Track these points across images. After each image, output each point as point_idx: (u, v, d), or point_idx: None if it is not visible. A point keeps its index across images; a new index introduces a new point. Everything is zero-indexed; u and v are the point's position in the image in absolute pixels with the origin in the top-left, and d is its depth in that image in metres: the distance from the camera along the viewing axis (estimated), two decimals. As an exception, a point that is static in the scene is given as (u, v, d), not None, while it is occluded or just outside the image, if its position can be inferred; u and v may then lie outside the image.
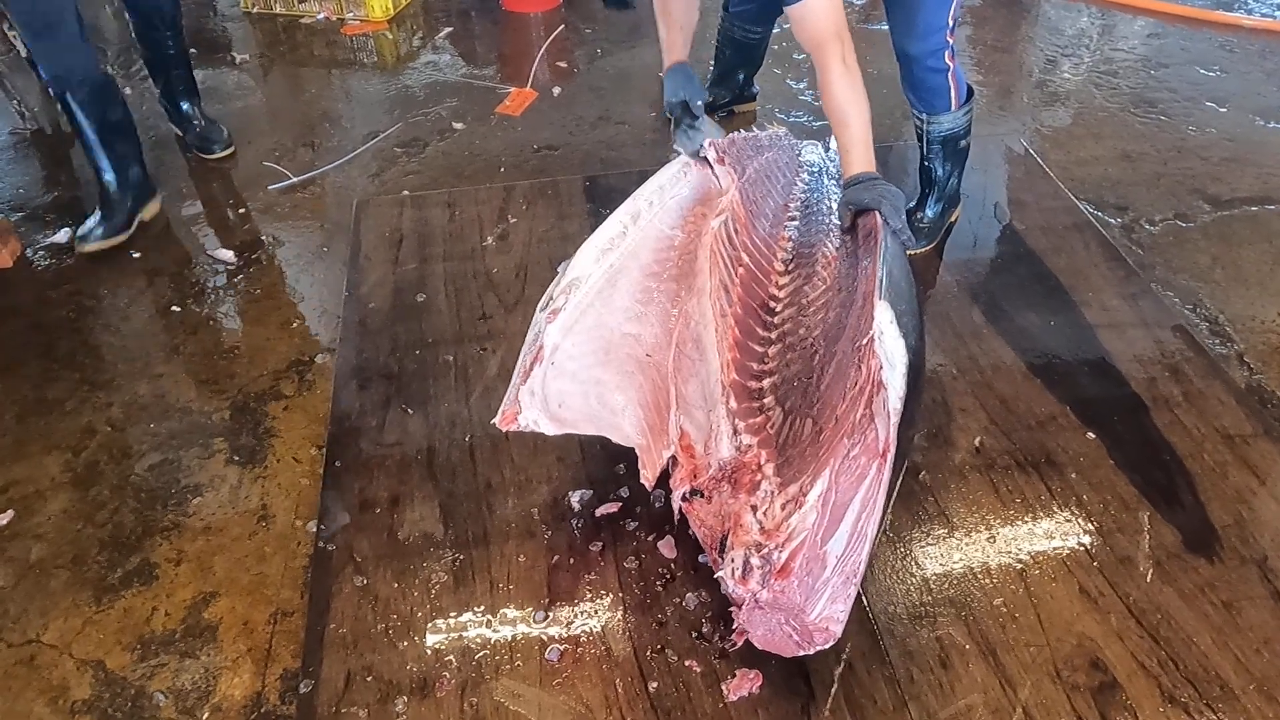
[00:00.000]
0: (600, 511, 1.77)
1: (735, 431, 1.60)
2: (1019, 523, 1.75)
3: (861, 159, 1.98)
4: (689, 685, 1.51)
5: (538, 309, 1.68)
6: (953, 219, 2.52)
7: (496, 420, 1.64)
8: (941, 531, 1.74)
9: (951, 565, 1.68)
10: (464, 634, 1.59)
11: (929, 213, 2.44)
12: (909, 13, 2.16)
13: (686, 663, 1.53)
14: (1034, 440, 1.91)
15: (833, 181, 2.30)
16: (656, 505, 1.77)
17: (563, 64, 3.56)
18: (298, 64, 3.65)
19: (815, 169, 2.36)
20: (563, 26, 3.80)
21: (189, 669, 1.61)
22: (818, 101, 3.21)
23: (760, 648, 1.47)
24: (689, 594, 1.63)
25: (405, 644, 1.58)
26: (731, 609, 1.51)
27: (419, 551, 1.73)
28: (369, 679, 1.53)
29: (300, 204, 2.79)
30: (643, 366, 1.73)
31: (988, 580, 1.65)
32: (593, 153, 2.99)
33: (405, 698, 1.50)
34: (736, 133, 2.25)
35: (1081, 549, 1.70)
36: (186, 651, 1.63)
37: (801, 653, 1.44)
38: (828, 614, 1.39)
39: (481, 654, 1.56)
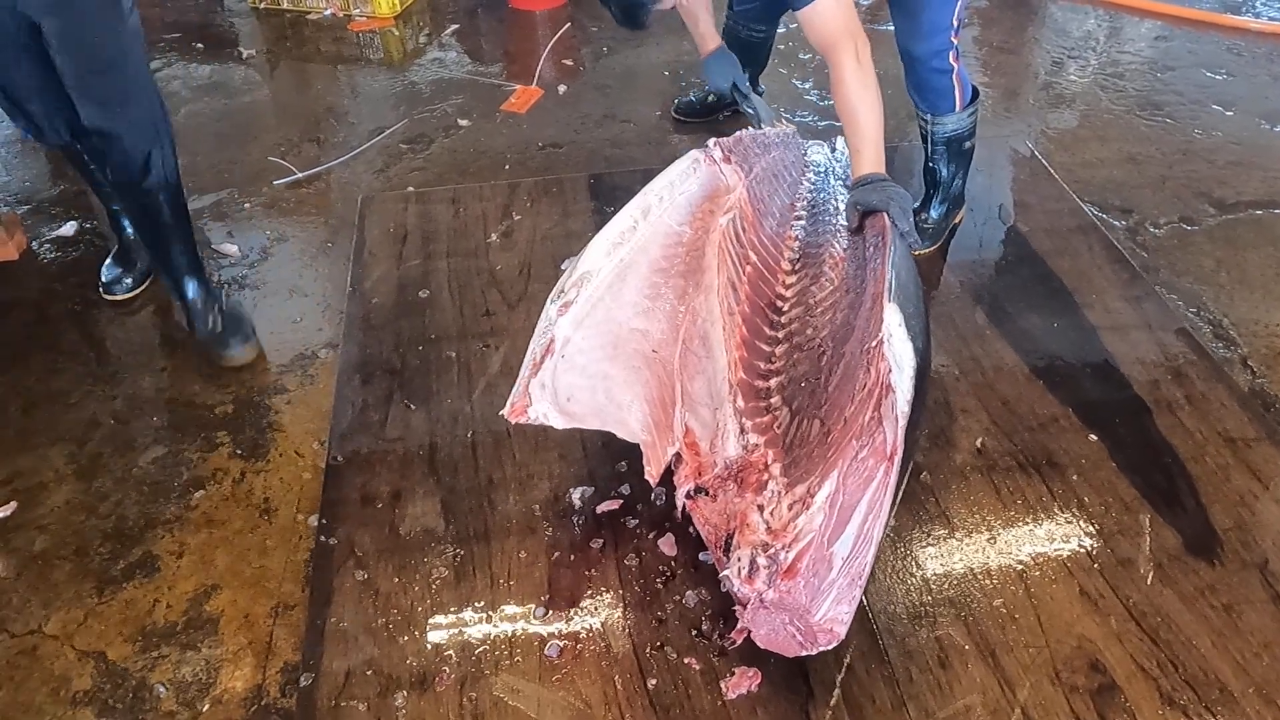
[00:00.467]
0: (601, 508, 1.77)
1: (742, 430, 1.60)
2: (1020, 524, 1.75)
3: (871, 159, 1.96)
4: (688, 683, 1.51)
5: (548, 301, 1.67)
6: (957, 220, 2.52)
7: (505, 412, 1.64)
8: (942, 532, 1.74)
9: (952, 565, 1.68)
10: (464, 629, 1.59)
11: (933, 214, 2.44)
12: (913, 13, 2.15)
13: (686, 660, 1.53)
14: (1036, 442, 1.90)
15: (839, 181, 2.30)
16: (657, 503, 1.77)
17: (568, 62, 3.56)
18: (304, 60, 3.65)
19: (821, 169, 2.36)
20: (569, 24, 3.80)
21: (190, 661, 1.61)
22: (823, 101, 3.21)
23: (763, 647, 1.47)
24: (689, 592, 1.63)
25: (405, 639, 1.58)
26: (735, 608, 1.51)
27: (420, 546, 1.73)
28: (369, 673, 1.53)
29: (305, 199, 2.80)
30: (649, 362, 1.73)
31: (988, 581, 1.65)
32: (597, 151, 2.99)
33: (405, 692, 1.51)
34: (743, 131, 2.25)
35: (1082, 551, 1.70)
36: (188, 644, 1.64)
37: (804, 653, 1.44)
38: (832, 615, 1.39)
39: (481, 649, 1.56)
